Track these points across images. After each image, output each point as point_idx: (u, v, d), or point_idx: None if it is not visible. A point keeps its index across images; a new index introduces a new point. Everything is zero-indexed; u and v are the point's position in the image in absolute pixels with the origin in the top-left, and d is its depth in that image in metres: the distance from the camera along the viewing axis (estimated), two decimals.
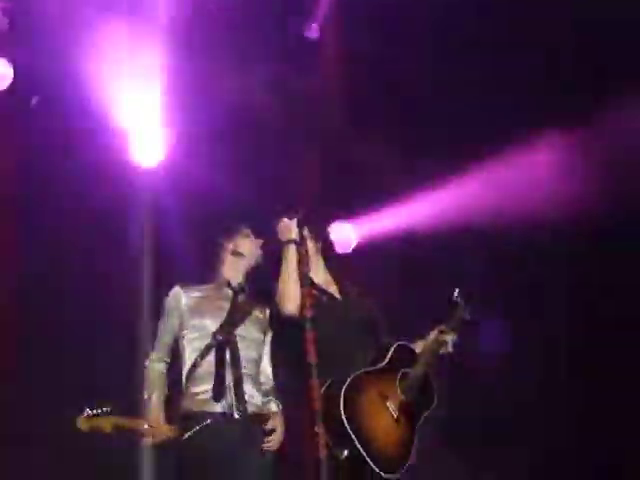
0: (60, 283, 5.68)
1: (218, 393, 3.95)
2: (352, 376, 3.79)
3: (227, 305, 4.15)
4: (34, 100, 5.94)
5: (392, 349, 4.00)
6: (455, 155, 6.27)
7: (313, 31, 6.83)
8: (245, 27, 6.26)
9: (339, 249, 5.82)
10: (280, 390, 4.26)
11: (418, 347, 4.13)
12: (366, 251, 6.59)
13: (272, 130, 6.38)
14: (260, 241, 4.27)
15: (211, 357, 4.01)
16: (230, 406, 3.96)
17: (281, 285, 3.98)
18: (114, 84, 5.79)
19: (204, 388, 3.98)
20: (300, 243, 3.97)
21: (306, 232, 4.05)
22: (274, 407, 4.16)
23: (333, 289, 4.16)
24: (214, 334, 4.03)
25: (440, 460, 5.59)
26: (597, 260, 6.49)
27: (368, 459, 3.70)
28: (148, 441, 4.02)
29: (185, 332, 4.10)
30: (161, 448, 4.20)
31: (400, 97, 6.76)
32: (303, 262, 3.92)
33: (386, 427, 3.83)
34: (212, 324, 4.07)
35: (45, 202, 5.79)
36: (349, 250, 6.56)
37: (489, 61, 6.49)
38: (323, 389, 3.71)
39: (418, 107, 6.66)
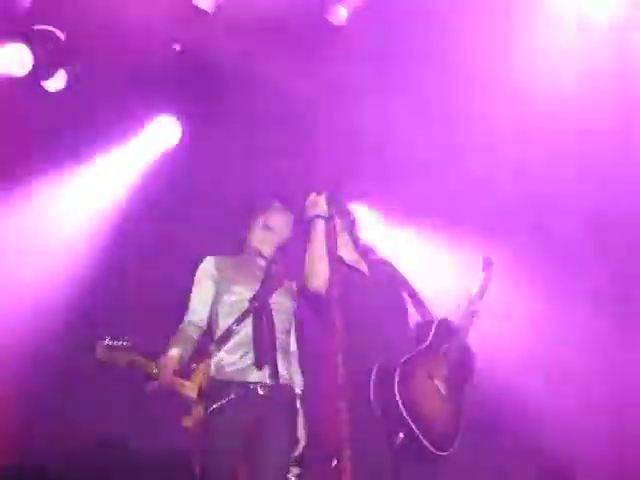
0: None
1: (259, 361, 3.93)
2: (403, 360, 3.75)
3: (260, 274, 4.16)
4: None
5: (434, 326, 3.96)
6: None
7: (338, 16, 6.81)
8: None
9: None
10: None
11: (451, 317, 4.08)
12: None
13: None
14: (291, 216, 4.25)
15: (246, 326, 3.98)
16: (263, 376, 3.93)
17: (308, 261, 3.93)
18: None
19: (236, 357, 3.95)
20: (328, 219, 3.92)
21: (334, 209, 4.01)
22: (297, 389, 4.13)
23: (363, 267, 4.11)
24: (251, 301, 4.01)
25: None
26: None
27: (425, 441, 3.68)
28: (151, 386, 3.93)
29: (218, 299, 4.08)
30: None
31: None
32: (331, 239, 3.87)
33: (437, 406, 3.82)
34: (246, 292, 4.07)
35: None
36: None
37: None
38: (373, 374, 3.72)
39: None
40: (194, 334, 4.05)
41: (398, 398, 3.66)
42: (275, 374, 3.96)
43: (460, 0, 5.53)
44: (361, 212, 6.18)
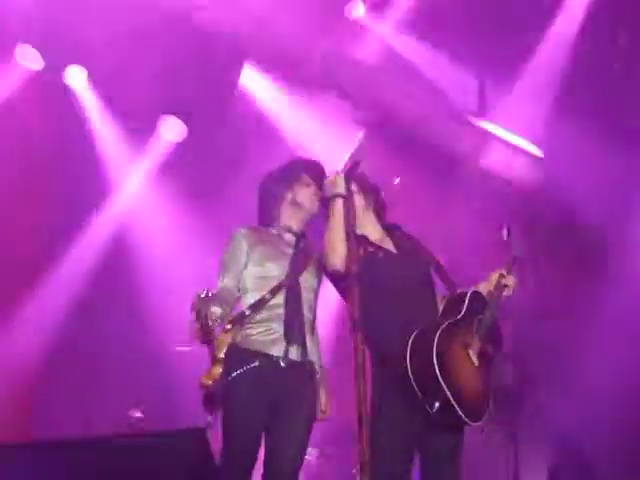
0: None
1: (289, 337, 3.90)
2: (440, 329, 3.74)
3: (289, 250, 4.10)
4: None
5: (468, 297, 3.93)
6: None
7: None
8: None
9: None
10: None
11: (482, 291, 4.05)
12: None
13: None
14: (319, 191, 4.15)
15: (275, 302, 3.94)
16: (289, 351, 3.90)
17: (327, 240, 3.91)
18: None
19: (262, 330, 3.92)
20: (347, 198, 3.89)
21: (354, 187, 3.98)
22: (319, 370, 4.07)
23: (389, 244, 4.07)
24: (283, 279, 3.97)
25: None
26: None
27: (459, 410, 3.67)
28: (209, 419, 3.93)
29: (247, 272, 4.02)
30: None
31: None
32: (350, 217, 3.85)
33: (471, 376, 3.81)
34: (275, 268, 4.01)
35: None
36: None
37: None
38: (410, 344, 3.71)
39: None
40: (231, 298, 3.97)
41: (436, 367, 3.65)
42: (304, 351, 3.94)
43: None
44: None
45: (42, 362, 7.20)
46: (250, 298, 3.98)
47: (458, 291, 4.00)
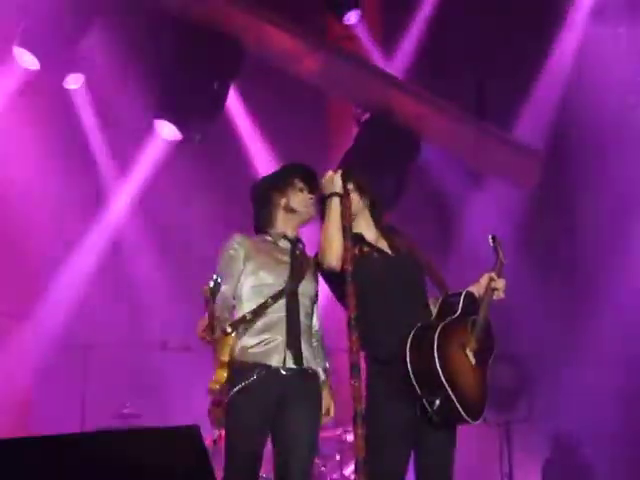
0: None
1: (289, 346, 3.89)
2: (440, 327, 3.78)
3: (285, 258, 4.07)
4: None
5: (462, 297, 3.96)
6: None
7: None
8: None
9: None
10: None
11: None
12: None
13: None
14: (313, 196, 4.13)
15: (272, 311, 3.91)
16: (287, 360, 3.89)
17: (323, 238, 3.92)
18: None
19: (259, 341, 3.90)
20: (343, 197, 3.92)
21: (351, 186, 4.00)
22: (322, 375, 4.06)
23: (383, 245, 4.08)
24: (282, 289, 3.94)
25: None
26: None
27: (459, 407, 3.70)
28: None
29: (244, 279, 3.99)
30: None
31: None
32: (346, 216, 3.88)
33: (469, 375, 3.85)
34: (270, 277, 3.98)
35: None
36: None
37: None
38: (409, 342, 3.74)
39: None
40: (229, 305, 3.95)
41: (438, 363, 3.68)
42: (299, 358, 3.93)
43: None
44: None
45: (41, 361, 7.24)
46: (246, 307, 3.95)
47: (451, 292, 4.02)
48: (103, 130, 7.89)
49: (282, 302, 3.94)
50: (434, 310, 3.96)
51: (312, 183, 4.15)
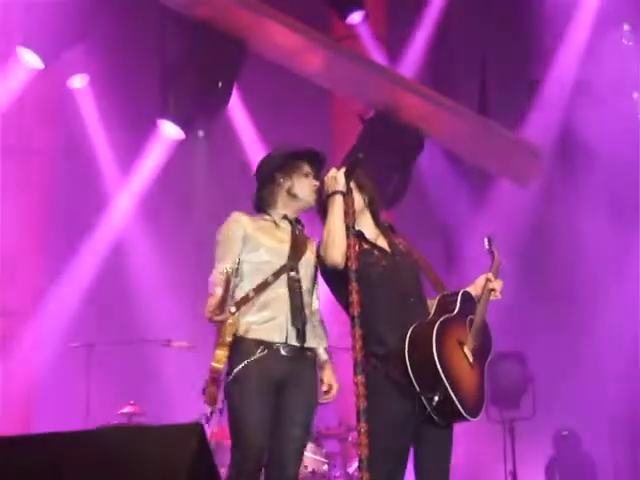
0: None
1: (293, 320, 3.89)
2: (438, 323, 3.78)
3: (285, 237, 4.04)
4: None
5: (460, 296, 3.98)
6: None
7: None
8: None
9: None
10: None
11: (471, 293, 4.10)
12: None
13: None
14: (317, 184, 4.09)
15: (274, 289, 3.90)
16: (289, 338, 3.89)
17: (326, 235, 3.92)
18: None
19: (263, 314, 3.88)
20: (346, 194, 3.92)
21: (353, 184, 4.00)
22: (324, 354, 4.06)
23: (383, 243, 4.08)
24: (284, 266, 3.92)
25: None
26: None
27: (458, 404, 3.72)
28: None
29: (245, 257, 3.94)
30: None
31: None
32: (349, 214, 3.88)
33: (467, 373, 3.86)
34: (271, 255, 3.96)
35: None
36: None
37: None
38: (408, 338, 3.75)
39: None
40: (231, 283, 3.84)
41: (436, 358, 3.69)
42: (303, 335, 3.92)
43: None
44: None
45: (45, 359, 7.27)
46: (247, 285, 3.92)
47: (448, 292, 4.04)
48: (106, 129, 7.88)
49: (283, 280, 3.93)
50: (432, 309, 3.97)
51: (319, 169, 4.12)
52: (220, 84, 6.86)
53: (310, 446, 5.92)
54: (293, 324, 3.90)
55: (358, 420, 3.57)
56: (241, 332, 3.86)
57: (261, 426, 3.80)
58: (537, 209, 8.22)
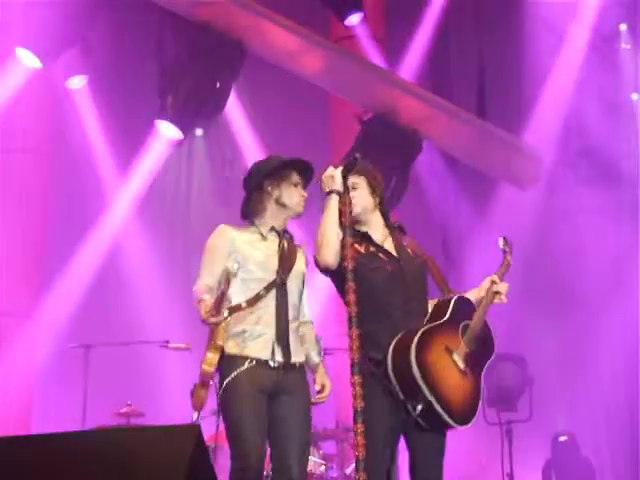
0: None
1: (278, 339, 3.90)
2: (419, 332, 3.75)
3: (273, 250, 4.01)
4: None
5: (452, 302, 3.94)
6: None
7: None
8: None
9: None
10: None
11: (472, 297, 4.05)
12: None
13: None
14: (305, 193, 4.09)
15: (262, 304, 3.90)
16: (275, 352, 3.89)
17: (320, 235, 3.89)
18: None
19: (252, 331, 3.88)
20: (343, 194, 3.88)
21: (364, 184, 3.99)
22: (315, 358, 4.08)
23: (390, 245, 4.05)
24: (272, 282, 3.92)
25: None
26: None
27: (442, 413, 3.70)
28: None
29: (232, 271, 3.86)
30: None
31: None
32: (345, 214, 3.85)
33: (455, 380, 3.81)
34: (258, 270, 3.95)
35: None
36: None
37: None
38: (392, 347, 3.74)
39: None
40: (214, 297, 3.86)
41: (415, 369, 3.67)
42: (287, 351, 3.93)
43: None
44: None
45: (43, 360, 7.27)
46: (237, 297, 3.90)
47: (444, 297, 4.02)
48: (105, 130, 7.89)
49: (272, 294, 3.93)
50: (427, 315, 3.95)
51: (309, 180, 4.11)
52: (218, 85, 6.87)
53: None
54: (279, 343, 3.91)
55: (355, 421, 3.56)
56: (231, 345, 3.86)
57: (258, 432, 3.81)
58: (537, 211, 8.19)
